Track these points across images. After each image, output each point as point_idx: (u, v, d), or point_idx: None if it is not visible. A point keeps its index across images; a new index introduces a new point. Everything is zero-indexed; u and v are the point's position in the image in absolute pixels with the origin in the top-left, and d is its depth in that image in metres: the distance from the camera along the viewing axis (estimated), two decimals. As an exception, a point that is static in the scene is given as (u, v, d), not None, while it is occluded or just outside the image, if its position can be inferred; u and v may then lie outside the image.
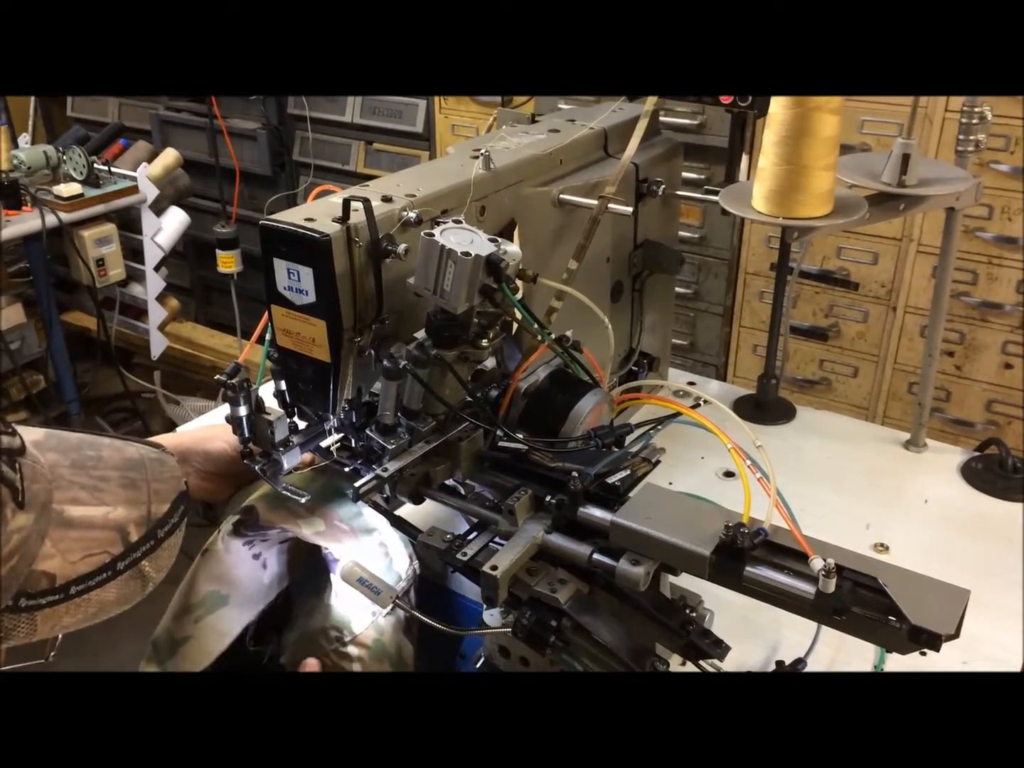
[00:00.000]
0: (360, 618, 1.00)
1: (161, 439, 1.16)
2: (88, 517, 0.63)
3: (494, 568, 0.85)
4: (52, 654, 0.71)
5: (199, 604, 1.06)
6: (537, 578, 0.90)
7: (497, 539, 0.92)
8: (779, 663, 0.98)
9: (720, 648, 0.85)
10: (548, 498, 0.90)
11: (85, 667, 2.01)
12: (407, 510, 1.06)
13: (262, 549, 1.11)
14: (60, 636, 0.76)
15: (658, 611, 0.87)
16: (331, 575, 1.03)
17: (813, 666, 0.99)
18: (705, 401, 1.18)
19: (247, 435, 1.03)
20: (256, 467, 1.03)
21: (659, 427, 1.02)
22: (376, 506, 1.03)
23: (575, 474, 0.89)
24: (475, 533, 0.94)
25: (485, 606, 0.94)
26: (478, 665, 1.02)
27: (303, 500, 1.02)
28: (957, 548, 1.21)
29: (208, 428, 1.15)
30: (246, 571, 1.09)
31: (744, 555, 0.80)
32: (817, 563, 0.76)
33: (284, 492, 1.03)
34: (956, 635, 0.72)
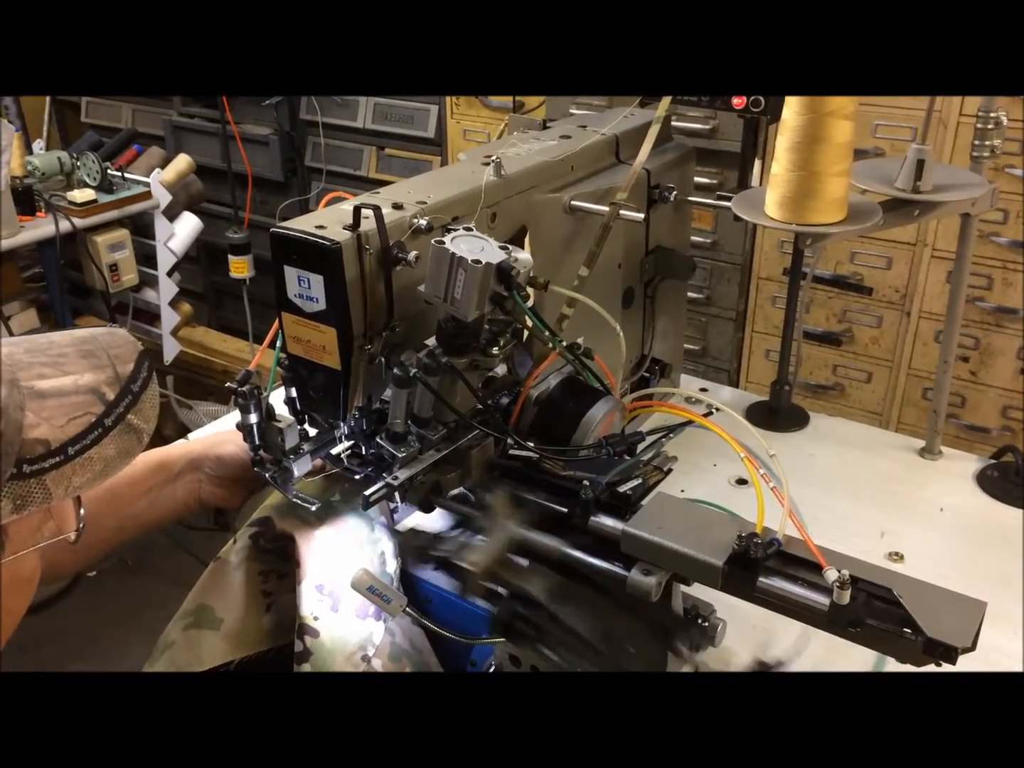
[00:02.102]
0: (373, 628, 0.99)
1: (172, 447, 1.17)
2: (59, 387, 0.68)
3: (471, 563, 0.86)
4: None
5: (191, 612, 1.05)
6: (514, 572, 0.90)
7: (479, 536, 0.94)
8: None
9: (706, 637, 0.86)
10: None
11: (95, 669, 2.02)
12: (418, 518, 1.05)
13: (273, 589, 1.09)
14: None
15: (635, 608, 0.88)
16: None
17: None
18: (717, 409, 1.17)
19: (257, 442, 1.02)
20: (266, 474, 1.03)
21: (671, 435, 1.02)
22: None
23: (586, 483, 0.89)
24: (458, 530, 0.95)
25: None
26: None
27: (313, 508, 1.02)
28: (973, 557, 1.19)
29: (219, 435, 1.15)
30: (250, 606, 1.07)
31: (757, 566, 0.79)
32: (831, 574, 0.75)
33: (295, 499, 1.03)
34: (972, 648, 0.71)
